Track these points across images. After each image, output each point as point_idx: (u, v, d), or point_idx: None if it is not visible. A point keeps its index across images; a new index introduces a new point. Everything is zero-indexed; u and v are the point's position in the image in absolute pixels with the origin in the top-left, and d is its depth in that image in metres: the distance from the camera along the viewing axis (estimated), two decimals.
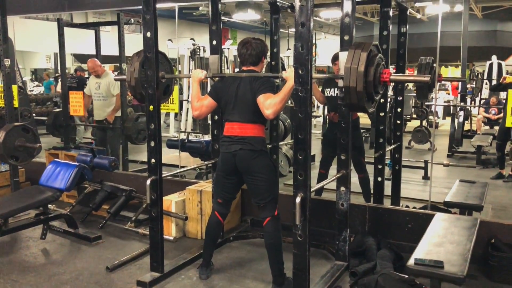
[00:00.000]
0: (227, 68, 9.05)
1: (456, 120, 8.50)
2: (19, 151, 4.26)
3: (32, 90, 13.77)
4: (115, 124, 5.90)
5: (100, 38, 6.56)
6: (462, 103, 8.86)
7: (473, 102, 11.02)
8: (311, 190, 2.64)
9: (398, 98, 4.48)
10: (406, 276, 2.86)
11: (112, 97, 5.88)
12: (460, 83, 9.34)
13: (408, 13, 4.40)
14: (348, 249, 3.39)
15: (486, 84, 11.38)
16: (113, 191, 4.53)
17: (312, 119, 4.32)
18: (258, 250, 3.79)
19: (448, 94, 14.34)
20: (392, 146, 4.42)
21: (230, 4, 11.57)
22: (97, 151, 5.08)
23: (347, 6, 3.07)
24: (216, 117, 3.81)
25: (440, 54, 4.19)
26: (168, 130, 9.86)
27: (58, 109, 7.06)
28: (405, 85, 5.82)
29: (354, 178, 4.07)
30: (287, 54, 11.64)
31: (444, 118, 13.10)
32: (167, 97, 3.84)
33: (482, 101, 10.36)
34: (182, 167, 5.14)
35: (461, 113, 8.71)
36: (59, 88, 8.90)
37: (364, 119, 6.60)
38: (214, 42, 3.72)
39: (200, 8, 12.54)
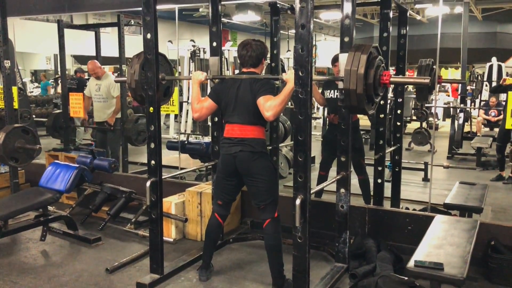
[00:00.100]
0: (227, 69, 9.06)
1: (456, 122, 8.51)
2: (19, 153, 4.26)
3: (32, 92, 13.80)
4: (115, 125, 5.89)
5: (100, 40, 6.57)
6: (462, 105, 8.86)
7: (473, 104, 11.02)
8: (311, 192, 2.64)
9: (398, 100, 4.48)
10: (406, 278, 2.86)
11: (112, 99, 5.88)
12: (460, 85, 9.35)
13: (408, 14, 4.40)
14: (348, 251, 3.39)
15: (486, 86, 11.39)
16: (113, 193, 4.53)
17: (312, 121, 4.32)
18: (258, 252, 3.78)
19: (448, 95, 14.35)
20: (392, 148, 4.42)
21: (230, 5, 11.59)
22: (97, 152, 5.09)
23: (347, 8, 3.07)
24: (216, 119, 3.81)
25: (440, 55, 4.19)
26: (168, 132, 9.86)
27: (58, 111, 7.06)
28: (405, 86, 5.82)
29: (354, 180, 4.06)
30: (287, 55, 11.66)
31: (444, 119, 13.10)
32: (167, 98, 3.84)
33: (482, 103, 10.36)
34: (182, 168, 5.14)
35: (461, 115, 8.71)
36: (59, 90, 8.91)
37: (364, 121, 6.61)
38: (214, 44, 3.72)
39: (200, 10, 12.56)
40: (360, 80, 2.57)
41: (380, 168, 4.16)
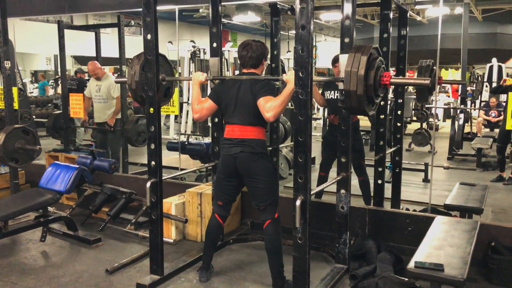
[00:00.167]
0: (227, 70, 9.06)
1: (456, 123, 8.50)
2: (19, 153, 4.26)
3: (32, 92, 13.80)
4: (115, 126, 5.90)
5: (100, 40, 6.57)
6: (462, 106, 8.86)
7: (473, 105, 11.02)
8: (311, 193, 2.64)
9: (398, 101, 4.48)
10: (406, 279, 2.86)
11: (112, 100, 5.88)
12: (460, 85, 9.35)
13: (408, 15, 4.40)
14: (348, 252, 3.39)
15: (486, 86, 11.39)
16: (113, 194, 4.53)
17: (312, 122, 4.32)
18: (258, 253, 3.78)
19: (448, 96, 14.34)
20: (392, 149, 4.42)
21: (230, 6, 11.58)
22: (97, 153, 5.08)
23: (348, 9, 3.07)
24: (217, 120, 3.81)
25: (440, 56, 4.19)
26: (168, 132, 9.86)
27: (58, 111, 7.05)
28: (405, 87, 5.83)
29: (354, 181, 4.06)
30: (287, 56, 11.66)
31: (444, 120, 13.10)
32: (167, 99, 3.84)
33: (482, 104, 10.36)
34: (182, 169, 5.14)
35: (461, 115, 8.71)
36: (59, 90, 8.91)
37: (364, 122, 6.61)
38: (215, 44, 3.72)
39: (201, 10, 12.55)
40: (361, 82, 2.57)
41: (380, 169, 4.16)
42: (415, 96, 8.71)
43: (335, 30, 17.50)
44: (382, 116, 4.16)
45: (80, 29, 7.40)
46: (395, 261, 3.42)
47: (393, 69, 4.61)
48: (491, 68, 11.65)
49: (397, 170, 4.43)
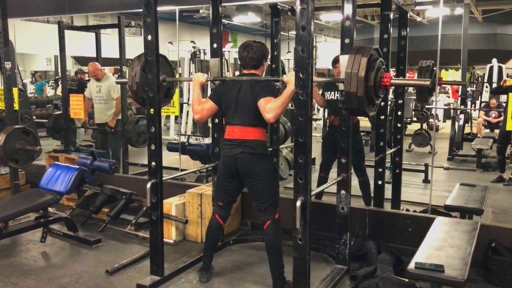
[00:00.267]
0: (228, 71, 9.06)
1: (456, 123, 8.50)
2: (19, 154, 4.26)
3: (32, 93, 13.80)
4: (115, 127, 5.90)
5: (100, 41, 6.57)
6: (462, 106, 8.86)
7: (473, 105, 11.02)
8: (312, 193, 2.64)
9: (399, 101, 4.48)
10: (406, 280, 2.86)
11: (113, 101, 5.89)
12: (460, 86, 9.34)
13: (408, 16, 4.40)
14: (348, 252, 3.39)
15: (487, 87, 11.38)
16: (113, 194, 4.53)
17: (312, 122, 4.32)
18: (258, 254, 3.78)
19: (449, 97, 14.34)
20: (393, 150, 4.42)
21: (230, 7, 11.59)
22: (97, 154, 5.08)
23: (348, 10, 3.07)
24: (217, 120, 3.81)
25: (440, 57, 4.19)
26: (169, 133, 9.86)
27: (58, 112, 7.05)
28: (406, 88, 5.83)
29: (354, 182, 4.06)
30: (287, 57, 11.65)
31: (444, 121, 13.10)
32: (168, 100, 3.84)
33: (483, 104, 10.35)
34: (182, 170, 5.14)
35: (462, 116, 8.71)
36: (59, 91, 8.91)
37: (364, 122, 6.60)
38: (215, 45, 3.72)
39: (201, 11, 12.56)
40: (361, 83, 2.57)
41: (380, 170, 4.16)
42: (415, 97, 8.72)
43: (336, 30, 17.53)
44: (382, 117, 4.16)
45: (80, 29, 7.41)
46: (395, 262, 3.42)
47: (393, 69, 4.61)
48: (491, 68, 11.65)
49: (397, 171, 4.43)
